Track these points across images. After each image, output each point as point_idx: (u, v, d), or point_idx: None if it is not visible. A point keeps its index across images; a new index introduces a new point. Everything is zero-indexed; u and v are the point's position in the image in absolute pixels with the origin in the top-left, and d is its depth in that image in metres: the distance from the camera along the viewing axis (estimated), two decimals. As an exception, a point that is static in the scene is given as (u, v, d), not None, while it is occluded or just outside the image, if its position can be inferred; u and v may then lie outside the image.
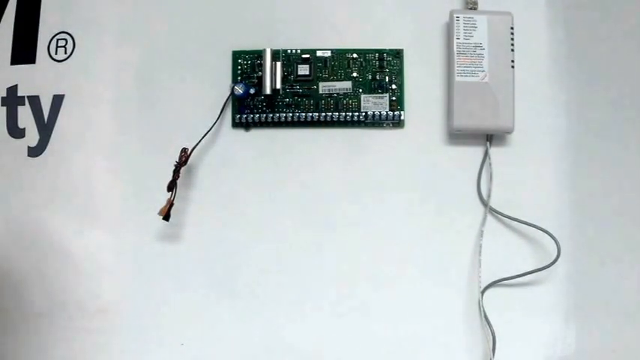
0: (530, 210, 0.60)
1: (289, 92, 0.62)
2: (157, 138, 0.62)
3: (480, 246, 0.60)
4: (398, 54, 0.62)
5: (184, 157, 0.59)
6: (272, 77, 0.60)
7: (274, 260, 0.61)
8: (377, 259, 0.61)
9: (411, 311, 0.60)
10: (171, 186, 0.58)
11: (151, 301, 0.61)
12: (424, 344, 0.60)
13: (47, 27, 0.64)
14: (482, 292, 0.59)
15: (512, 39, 0.59)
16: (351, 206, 0.61)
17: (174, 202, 0.58)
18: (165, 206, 0.58)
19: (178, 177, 0.58)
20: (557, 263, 0.58)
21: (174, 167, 0.58)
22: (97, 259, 0.62)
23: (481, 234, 0.60)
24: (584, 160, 0.61)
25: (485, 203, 0.60)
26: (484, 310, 0.59)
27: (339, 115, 0.61)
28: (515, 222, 0.60)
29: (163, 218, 0.58)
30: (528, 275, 0.59)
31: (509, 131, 0.59)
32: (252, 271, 0.61)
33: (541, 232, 0.59)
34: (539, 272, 0.58)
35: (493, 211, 0.60)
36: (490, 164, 0.60)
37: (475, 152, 0.61)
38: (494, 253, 0.60)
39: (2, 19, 0.65)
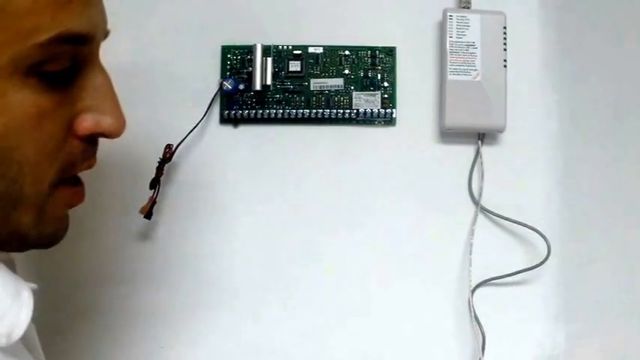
0: (520, 209, 0.60)
1: (280, 88, 0.61)
2: (140, 133, 0.59)
3: (471, 245, 0.60)
4: (390, 51, 0.61)
5: (169, 154, 0.57)
6: (262, 73, 0.59)
7: (262, 260, 0.60)
8: (366, 258, 0.60)
9: (400, 310, 0.60)
10: (154, 183, 0.56)
11: (131, 302, 0.59)
12: (413, 343, 0.60)
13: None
14: (473, 291, 0.59)
15: (505, 38, 0.59)
16: (341, 205, 0.60)
17: (157, 199, 0.56)
18: (147, 204, 0.56)
19: (162, 174, 0.57)
20: (547, 262, 0.58)
21: (157, 164, 0.56)
22: (75, 258, 0.59)
23: (472, 233, 0.60)
24: (575, 159, 0.62)
25: (476, 202, 0.61)
26: (474, 309, 0.59)
27: (331, 113, 0.60)
28: (506, 221, 0.60)
29: (145, 216, 0.56)
30: (519, 274, 0.59)
31: (501, 130, 0.59)
32: (238, 272, 0.60)
33: (531, 231, 0.59)
34: (529, 271, 0.59)
35: (484, 210, 0.60)
36: (482, 163, 0.60)
37: (467, 151, 0.61)
38: (485, 252, 0.60)
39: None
